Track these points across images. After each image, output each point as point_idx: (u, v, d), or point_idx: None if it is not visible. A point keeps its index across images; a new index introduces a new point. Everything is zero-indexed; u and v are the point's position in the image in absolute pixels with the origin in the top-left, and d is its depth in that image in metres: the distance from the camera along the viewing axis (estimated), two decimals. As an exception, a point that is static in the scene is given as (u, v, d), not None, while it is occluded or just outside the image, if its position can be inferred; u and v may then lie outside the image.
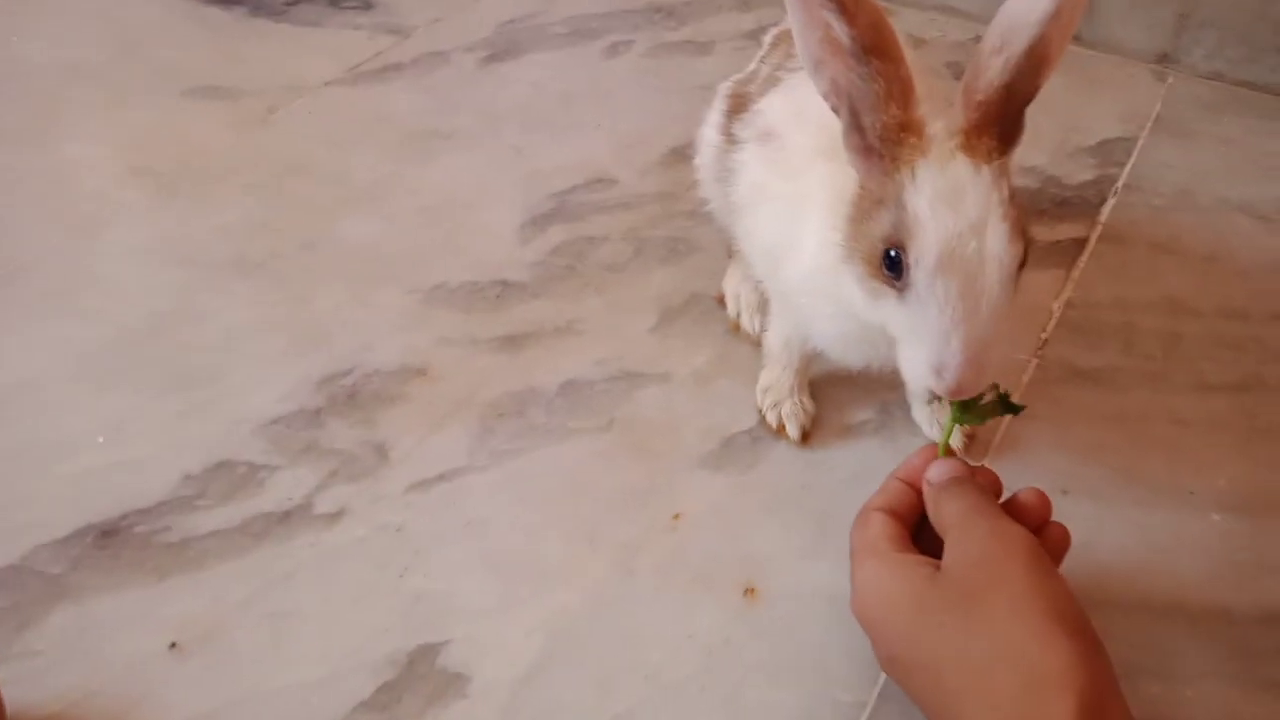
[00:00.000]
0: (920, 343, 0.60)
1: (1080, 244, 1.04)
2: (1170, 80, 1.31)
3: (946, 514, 0.62)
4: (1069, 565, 0.75)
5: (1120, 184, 1.13)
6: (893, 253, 0.60)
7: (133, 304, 0.97)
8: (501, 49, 1.35)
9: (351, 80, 1.29)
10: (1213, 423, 0.87)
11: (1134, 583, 0.75)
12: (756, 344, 0.91)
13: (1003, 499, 0.67)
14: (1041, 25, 0.59)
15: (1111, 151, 1.17)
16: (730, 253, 0.96)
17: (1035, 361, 0.92)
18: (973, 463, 0.68)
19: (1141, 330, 0.95)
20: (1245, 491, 0.81)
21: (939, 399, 0.65)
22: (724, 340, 0.94)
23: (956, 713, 0.55)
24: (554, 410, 0.87)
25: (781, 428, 0.85)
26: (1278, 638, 0.71)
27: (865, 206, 0.63)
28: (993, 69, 0.60)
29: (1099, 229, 1.06)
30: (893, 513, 0.66)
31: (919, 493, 0.67)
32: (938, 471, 0.65)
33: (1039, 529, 0.64)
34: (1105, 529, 0.78)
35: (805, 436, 0.85)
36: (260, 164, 1.14)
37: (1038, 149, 1.16)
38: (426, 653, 0.70)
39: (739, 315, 0.95)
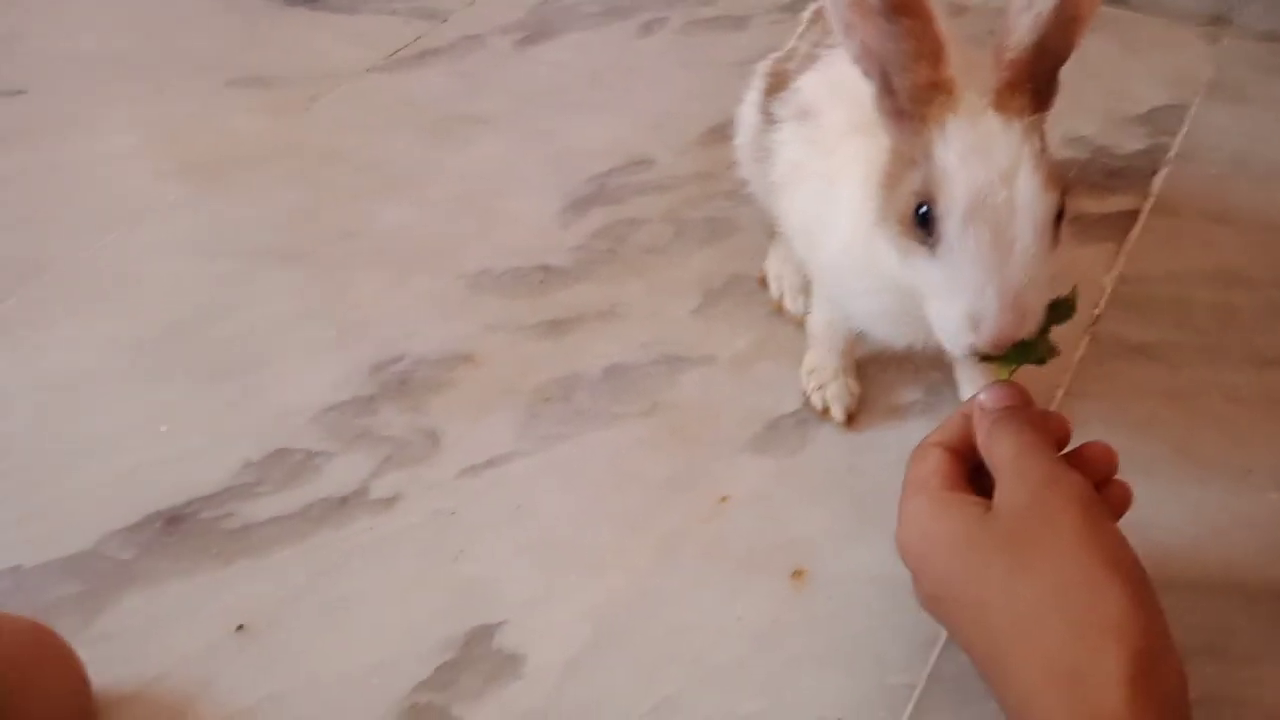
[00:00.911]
0: (953, 296, 0.59)
1: (1132, 216, 1.02)
2: (1223, 42, 1.26)
3: (998, 453, 0.60)
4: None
5: (1173, 153, 1.10)
6: (923, 208, 0.59)
7: (179, 297, 0.98)
8: (536, 30, 1.35)
9: (389, 67, 1.29)
10: (1269, 398, 0.85)
11: (1190, 562, 0.74)
12: (800, 325, 0.91)
13: (1068, 449, 0.64)
14: None
15: (1163, 119, 1.14)
16: (771, 233, 0.95)
17: (1088, 338, 0.90)
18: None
19: (1196, 303, 0.93)
20: (1303, 470, 0.80)
21: (982, 357, 0.61)
22: (766, 322, 0.94)
23: (1002, 655, 0.53)
24: (598, 395, 0.88)
25: (826, 410, 0.85)
26: (1337, 618, 0.70)
27: (897, 170, 0.63)
28: (1022, 26, 0.59)
29: (1151, 200, 1.04)
30: (952, 449, 0.63)
31: None
32: (993, 396, 0.62)
33: (1101, 484, 0.62)
34: (1161, 508, 0.77)
35: (851, 418, 0.84)
36: (300, 153, 1.15)
37: (1086, 118, 1.13)
38: (482, 634, 0.72)
39: (781, 296, 0.94)
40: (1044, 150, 0.59)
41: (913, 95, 0.60)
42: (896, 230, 0.62)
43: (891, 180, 0.63)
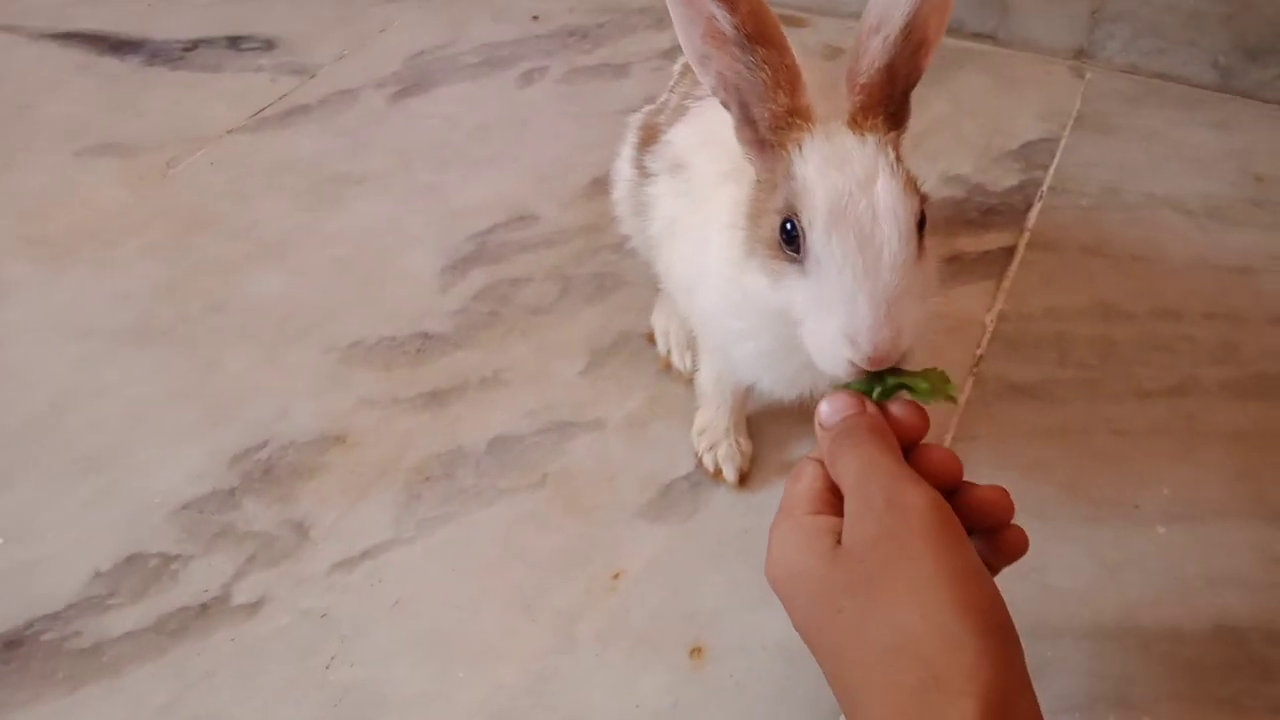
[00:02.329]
0: (826, 312, 0.57)
1: (1009, 253, 1.03)
2: (1089, 76, 1.31)
3: (841, 474, 0.56)
4: (1020, 590, 0.73)
5: (1045, 187, 1.12)
6: (789, 225, 0.58)
7: (29, 385, 0.91)
8: (412, 83, 1.31)
9: (255, 126, 1.23)
10: (1153, 430, 0.86)
11: (1085, 606, 0.74)
12: (689, 382, 0.88)
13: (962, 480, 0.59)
14: (914, 2, 0.59)
15: (1035, 153, 1.16)
16: (658, 287, 0.93)
17: (972, 379, 0.90)
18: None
19: (1076, 339, 0.94)
20: (1188, 500, 0.80)
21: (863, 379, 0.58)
22: (657, 380, 0.92)
23: (856, 706, 0.51)
24: (483, 470, 0.84)
25: (718, 471, 0.82)
26: (1228, 653, 0.70)
27: (761, 199, 0.62)
28: (873, 50, 0.60)
29: (1027, 235, 1.05)
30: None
31: None
32: (828, 409, 0.58)
33: (996, 529, 0.59)
34: (1053, 550, 0.77)
35: (743, 478, 0.82)
36: (161, 223, 1.09)
37: (962, 156, 1.15)
38: (359, 750, 0.66)
39: (669, 352, 0.92)
40: (900, 161, 0.59)
41: (772, 124, 0.61)
42: (765, 255, 0.61)
43: (756, 210, 0.63)
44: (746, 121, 0.62)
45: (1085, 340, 0.93)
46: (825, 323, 0.57)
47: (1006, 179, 1.13)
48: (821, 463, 0.60)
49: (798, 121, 0.60)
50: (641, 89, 1.18)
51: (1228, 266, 1.02)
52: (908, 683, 0.48)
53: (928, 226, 0.60)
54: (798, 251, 0.58)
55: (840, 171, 0.57)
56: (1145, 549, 0.77)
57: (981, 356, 0.92)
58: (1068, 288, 0.99)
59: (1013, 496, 0.78)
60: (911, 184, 0.58)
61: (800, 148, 0.59)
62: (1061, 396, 0.89)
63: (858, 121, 0.60)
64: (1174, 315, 0.96)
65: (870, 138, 0.59)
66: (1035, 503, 0.80)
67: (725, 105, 0.63)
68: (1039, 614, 0.72)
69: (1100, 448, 0.84)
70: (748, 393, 0.82)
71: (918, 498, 0.53)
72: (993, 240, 1.04)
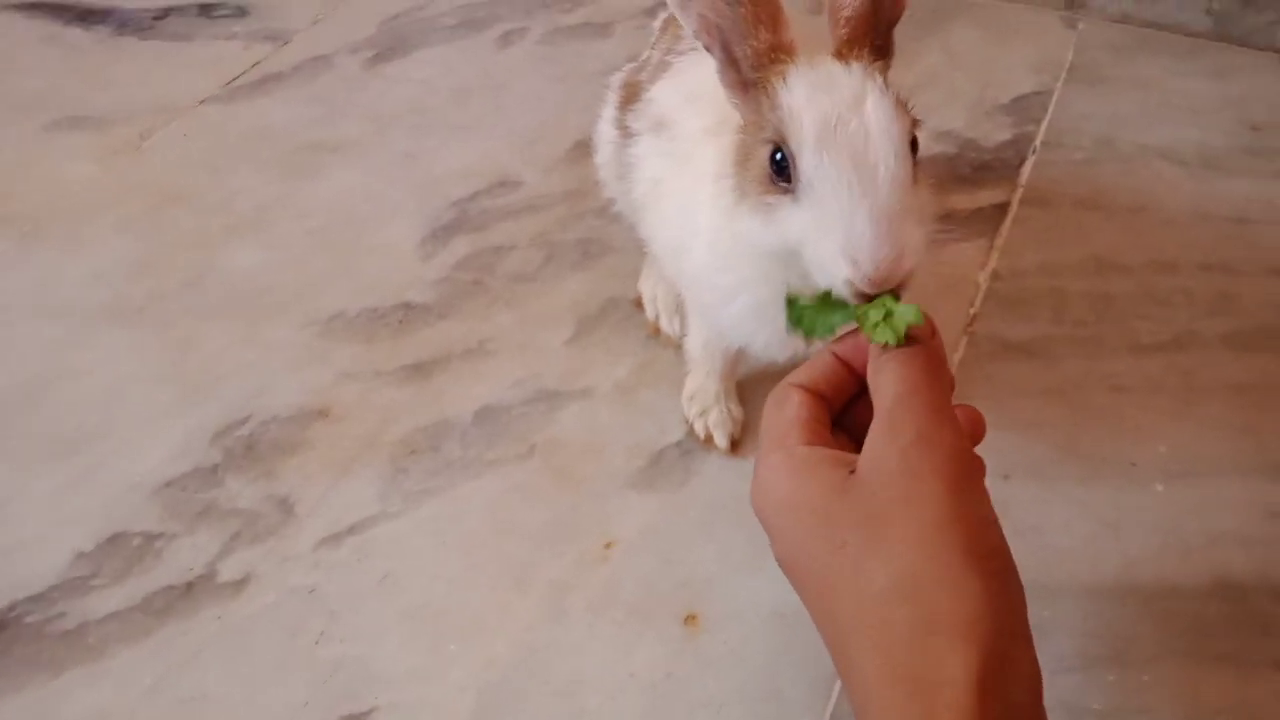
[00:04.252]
0: (823, 233, 0.54)
1: (1002, 209, 1.01)
2: (1081, 26, 1.28)
3: (880, 392, 0.52)
4: (1017, 549, 0.72)
5: (1039, 141, 1.10)
6: (779, 155, 0.57)
7: (2, 368, 0.89)
8: (387, 47, 1.27)
9: (228, 96, 1.20)
10: (1150, 386, 0.85)
11: (1083, 565, 0.73)
12: (679, 348, 0.86)
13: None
14: None
15: (1028, 107, 1.14)
16: (645, 251, 0.91)
17: (966, 339, 0.88)
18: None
19: (1071, 295, 0.92)
20: (1186, 457, 0.79)
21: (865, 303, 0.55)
22: (645, 347, 0.90)
23: (846, 645, 0.49)
24: (470, 442, 0.82)
25: (709, 437, 0.81)
26: (1227, 608, 0.70)
27: (748, 141, 0.61)
28: None
29: (1020, 191, 1.03)
30: (814, 392, 0.57)
31: (852, 373, 0.57)
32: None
33: None
34: (1051, 510, 0.76)
35: (734, 445, 0.81)
36: (134, 197, 1.06)
37: (953, 111, 1.12)
38: (350, 726, 0.65)
39: (657, 317, 0.90)
40: (888, 86, 0.57)
41: (755, 62, 0.59)
42: (756, 194, 0.58)
43: (744, 154, 0.61)
44: (729, 63, 0.61)
45: (1081, 296, 0.92)
46: (823, 243, 0.54)
47: (999, 134, 1.10)
48: (807, 390, 0.57)
49: (781, 56, 0.59)
50: (625, 49, 1.15)
51: (1224, 217, 1.00)
52: (904, 623, 0.46)
53: (920, 152, 0.58)
54: (789, 181, 0.56)
55: (828, 94, 0.56)
56: (1143, 507, 0.76)
57: (976, 315, 0.91)
58: (1062, 243, 0.97)
59: (1009, 457, 0.78)
60: (902, 105, 0.57)
61: (785, 79, 0.58)
62: (1057, 354, 0.87)
63: (843, 54, 0.58)
64: (1170, 268, 0.94)
65: (855, 64, 0.57)
66: (1032, 462, 0.79)
67: (708, 49, 0.61)
68: (1036, 573, 0.71)
69: (1097, 405, 0.83)
70: (738, 357, 0.80)
71: (950, 439, 0.50)
72: (986, 197, 1.02)
